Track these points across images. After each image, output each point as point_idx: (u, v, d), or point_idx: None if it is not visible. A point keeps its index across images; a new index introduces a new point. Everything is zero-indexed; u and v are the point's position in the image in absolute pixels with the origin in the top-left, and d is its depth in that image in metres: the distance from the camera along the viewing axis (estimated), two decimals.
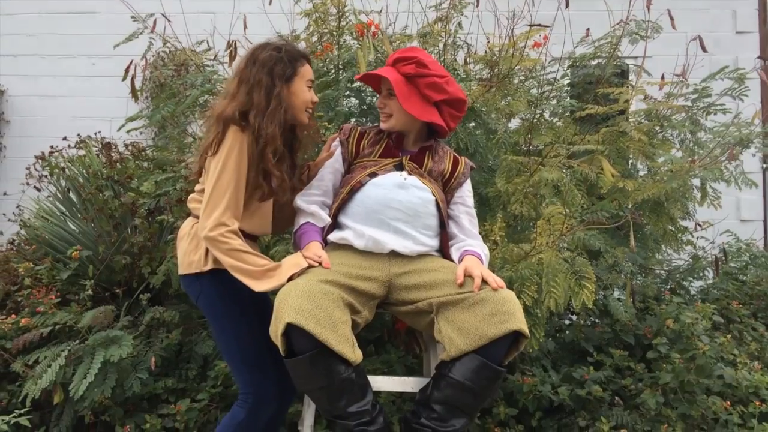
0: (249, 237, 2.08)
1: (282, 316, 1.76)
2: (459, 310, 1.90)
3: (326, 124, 2.90)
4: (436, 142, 2.25)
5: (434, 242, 2.12)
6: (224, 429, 2.05)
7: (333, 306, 1.81)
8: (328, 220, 2.13)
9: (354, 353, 1.81)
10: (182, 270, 2.08)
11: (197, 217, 2.04)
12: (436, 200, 2.11)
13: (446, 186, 2.21)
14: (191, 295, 2.11)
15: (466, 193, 2.25)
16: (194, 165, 2.19)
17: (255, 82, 2.00)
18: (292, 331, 1.75)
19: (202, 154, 2.06)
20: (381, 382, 2.06)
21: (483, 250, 2.12)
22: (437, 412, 1.85)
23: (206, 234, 1.93)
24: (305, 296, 1.78)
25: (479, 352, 1.84)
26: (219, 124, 1.98)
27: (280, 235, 2.76)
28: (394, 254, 2.04)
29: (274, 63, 2.02)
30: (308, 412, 2.06)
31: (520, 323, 1.83)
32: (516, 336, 1.87)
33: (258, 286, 1.91)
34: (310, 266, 1.94)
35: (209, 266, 2.01)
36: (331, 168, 2.23)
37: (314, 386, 1.82)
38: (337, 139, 2.27)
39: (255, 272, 1.91)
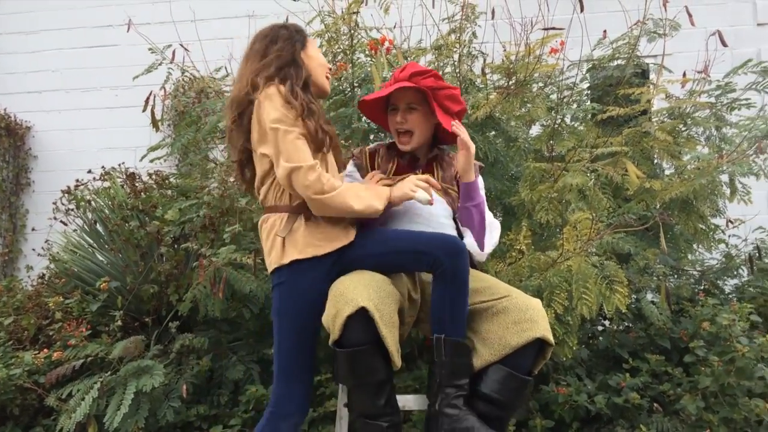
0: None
1: (355, 298, 1.69)
2: (483, 320, 1.88)
3: (343, 141, 2.89)
4: (440, 150, 2.23)
5: None
6: None
7: (394, 307, 1.79)
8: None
9: (398, 358, 1.78)
10: (269, 269, 1.97)
11: (269, 210, 1.96)
12: (453, 213, 2.11)
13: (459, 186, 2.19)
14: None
15: None
16: (233, 153, 2.06)
17: (282, 55, 1.97)
18: (354, 318, 1.69)
19: (238, 145, 1.99)
20: (411, 402, 2.03)
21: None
22: None
23: (306, 183, 1.81)
24: (374, 288, 1.75)
25: (504, 362, 1.81)
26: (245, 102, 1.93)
27: None
28: None
29: (291, 34, 2.02)
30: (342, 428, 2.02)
31: (544, 330, 1.80)
32: (542, 344, 1.83)
33: (380, 202, 1.89)
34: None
35: (287, 259, 1.88)
36: None
37: (359, 381, 1.77)
38: (352, 163, 2.23)
39: (366, 195, 1.89)
